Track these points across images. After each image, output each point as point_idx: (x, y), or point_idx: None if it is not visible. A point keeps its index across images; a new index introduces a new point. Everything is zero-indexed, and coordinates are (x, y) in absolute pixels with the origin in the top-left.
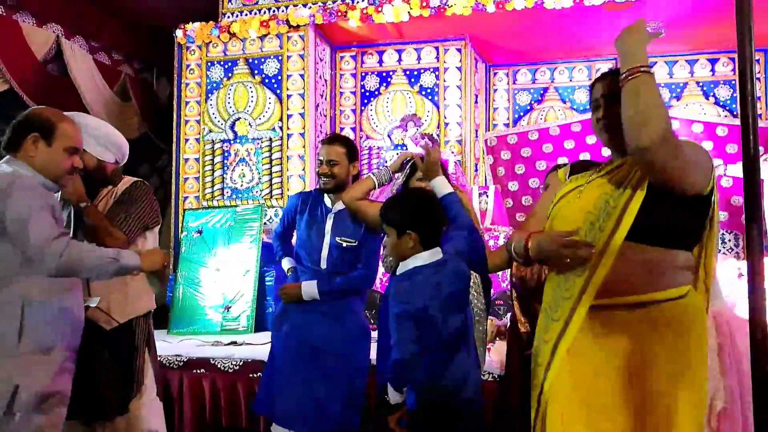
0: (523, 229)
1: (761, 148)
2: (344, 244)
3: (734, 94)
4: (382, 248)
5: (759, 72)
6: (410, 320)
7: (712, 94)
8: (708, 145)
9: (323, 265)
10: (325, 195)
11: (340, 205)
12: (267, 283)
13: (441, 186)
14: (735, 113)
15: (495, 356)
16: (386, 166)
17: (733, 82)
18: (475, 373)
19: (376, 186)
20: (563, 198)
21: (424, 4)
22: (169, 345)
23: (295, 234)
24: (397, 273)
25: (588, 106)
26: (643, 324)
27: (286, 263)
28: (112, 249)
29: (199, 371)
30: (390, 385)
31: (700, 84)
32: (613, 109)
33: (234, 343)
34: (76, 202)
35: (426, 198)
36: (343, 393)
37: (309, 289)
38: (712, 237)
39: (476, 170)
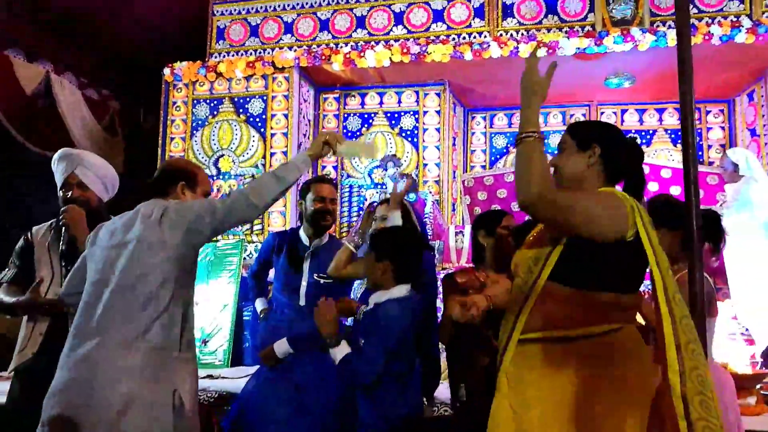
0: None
1: (725, 195)
2: (322, 281)
3: (700, 142)
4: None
5: (723, 122)
6: (381, 349)
7: (680, 141)
8: (676, 190)
9: (302, 302)
10: (302, 233)
11: (317, 243)
12: (245, 318)
13: (395, 220)
14: (701, 160)
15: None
16: (357, 230)
17: (700, 129)
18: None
19: (355, 252)
20: (522, 246)
21: (405, 50)
22: None
23: (272, 272)
24: (370, 302)
25: None
26: (572, 357)
27: (260, 304)
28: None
29: None
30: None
31: (669, 131)
32: (556, 161)
33: (210, 376)
34: (84, 241)
35: (412, 237)
36: (323, 427)
37: (280, 347)
38: (657, 282)
39: (453, 210)
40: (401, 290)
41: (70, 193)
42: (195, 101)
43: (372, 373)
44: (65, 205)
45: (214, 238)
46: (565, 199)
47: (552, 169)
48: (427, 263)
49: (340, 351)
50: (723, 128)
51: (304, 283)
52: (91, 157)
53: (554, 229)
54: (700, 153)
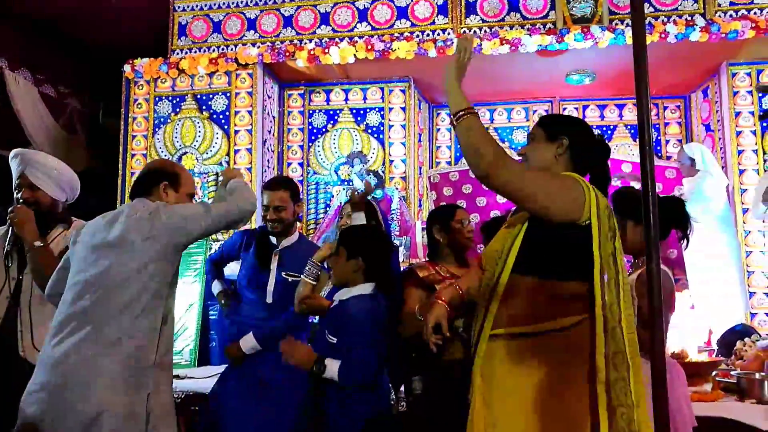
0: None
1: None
2: (290, 279)
3: (658, 137)
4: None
5: (680, 117)
6: (368, 349)
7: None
8: (636, 184)
9: (269, 299)
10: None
11: (285, 243)
12: (211, 317)
13: (360, 219)
14: (660, 154)
15: None
16: (311, 261)
17: (658, 125)
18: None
19: (313, 284)
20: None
21: (369, 47)
22: None
23: (236, 268)
24: (342, 298)
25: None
26: (540, 351)
27: (217, 286)
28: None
29: None
30: (340, 373)
31: (628, 127)
32: (525, 150)
33: (177, 376)
34: (31, 242)
35: (380, 236)
36: (291, 423)
37: (247, 343)
38: (596, 267)
39: (420, 206)
40: (366, 288)
41: (20, 194)
42: (157, 98)
43: (369, 375)
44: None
45: None
46: (518, 166)
47: (520, 158)
48: (393, 263)
49: (331, 369)
50: (680, 123)
51: (272, 281)
52: (41, 157)
53: (511, 201)
54: (659, 148)
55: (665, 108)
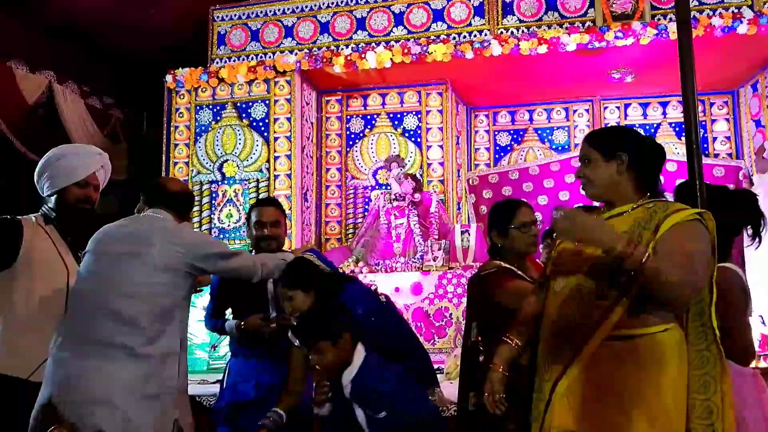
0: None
1: (733, 186)
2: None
3: (705, 135)
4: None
5: (728, 113)
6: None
7: (684, 134)
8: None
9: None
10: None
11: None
12: None
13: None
14: (707, 152)
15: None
16: (288, 330)
17: (704, 122)
18: None
19: (304, 349)
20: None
21: (406, 51)
22: None
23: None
24: (352, 379)
25: (566, 146)
26: (622, 356)
27: (230, 323)
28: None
29: None
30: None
31: (673, 125)
32: (585, 173)
33: (219, 381)
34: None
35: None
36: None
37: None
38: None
39: (459, 209)
40: (360, 355)
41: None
42: (198, 107)
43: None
44: None
45: None
46: (687, 259)
47: (583, 181)
48: (357, 294)
49: (346, 377)
50: (728, 120)
51: (270, 288)
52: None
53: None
54: (705, 145)
55: (712, 104)
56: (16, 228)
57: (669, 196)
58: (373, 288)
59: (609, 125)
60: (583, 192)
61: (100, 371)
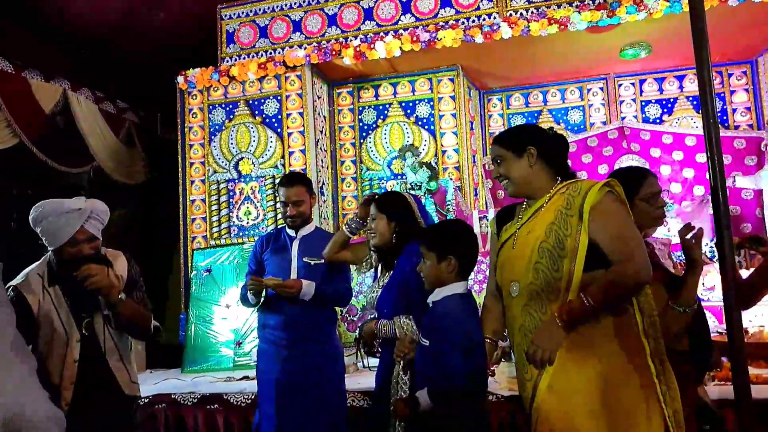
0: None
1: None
2: (312, 263)
3: (724, 106)
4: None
5: (747, 84)
6: (461, 350)
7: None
8: (702, 157)
9: None
10: (287, 229)
11: (304, 232)
12: None
13: None
14: (726, 124)
15: (500, 377)
16: (355, 215)
17: (723, 94)
18: None
19: (351, 236)
20: (502, 248)
21: (415, 38)
22: (183, 383)
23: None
24: (435, 299)
25: (582, 126)
26: (604, 337)
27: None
28: None
29: (213, 407)
30: (430, 396)
31: (690, 98)
32: (501, 171)
33: (246, 377)
34: (116, 298)
35: (468, 229)
36: (330, 419)
37: (308, 288)
38: None
39: (476, 195)
40: (458, 287)
41: (81, 250)
42: (210, 107)
43: (459, 381)
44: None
45: (239, 241)
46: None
47: (502, 181)
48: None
49: (424, 400)
50: (747, 90)
51: (294, 266)
52: (99, 204)
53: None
54: (725, 117)
55: (730, 75)
56: (23, 304)
57: (583, 175)
58: None
59: (515, 125)
60: (506, 192)
61: None
